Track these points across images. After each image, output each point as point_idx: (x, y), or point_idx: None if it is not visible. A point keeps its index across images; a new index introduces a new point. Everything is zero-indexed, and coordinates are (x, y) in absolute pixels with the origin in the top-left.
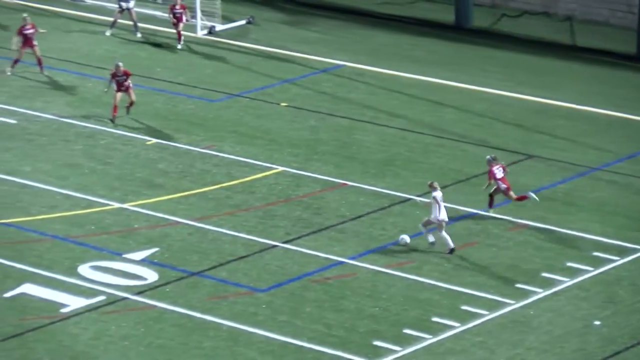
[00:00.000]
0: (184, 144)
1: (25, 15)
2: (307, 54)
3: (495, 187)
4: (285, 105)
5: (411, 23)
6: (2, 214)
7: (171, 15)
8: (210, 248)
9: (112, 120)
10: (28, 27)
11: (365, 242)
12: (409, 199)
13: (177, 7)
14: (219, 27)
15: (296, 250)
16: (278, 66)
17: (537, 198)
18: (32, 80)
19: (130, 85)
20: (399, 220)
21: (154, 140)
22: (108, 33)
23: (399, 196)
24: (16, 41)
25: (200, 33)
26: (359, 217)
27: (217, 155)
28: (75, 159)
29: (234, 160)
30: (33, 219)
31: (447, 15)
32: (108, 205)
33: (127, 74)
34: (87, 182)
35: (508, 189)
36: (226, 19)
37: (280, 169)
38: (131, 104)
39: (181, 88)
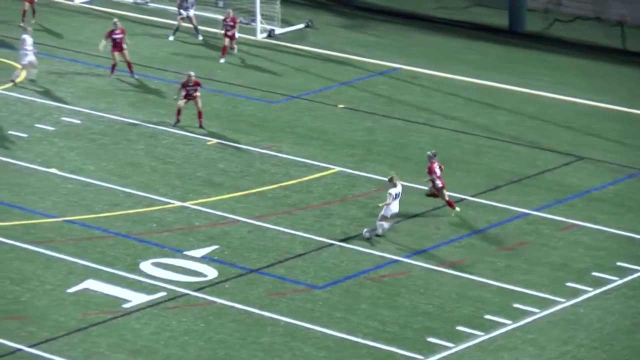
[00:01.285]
0: (244, 144)
1: (115, 20)
2: (364, 57)
3: (431, 185)
4: (342, 107)
5: (466, 27)
6: (67, 212)
7: (223, 30)
8: (269, 246)
9: (176, 124)
10: (118, 31)
11: (419, 241)
12: (463, 199)
13: (229, 19)
14: (278, 30)
15: (352, 249)
16: (335, 69)
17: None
18: (96, 82)
19: (199, 95)
20: (453, 219)
21: (215, 141)
22: (171, 38)
23: (452, 196)
24: (104, 44)
25: (260, 36)
26: (413, 216)
27: (276, 156)
28: (138, 158)
29: (292, 161)
30: (96, 217)
31: (500, 19)
32: (169, 203)
33: (197, 84)
34: (148, 180)
35: (443, 187)
36: (285, 23)
37: (337, 169)
38: (200, 114)
39: (241, 90)
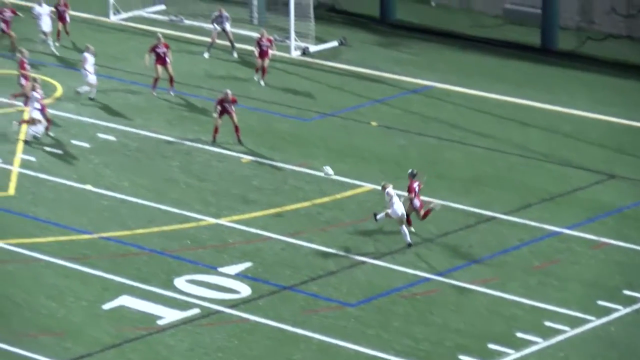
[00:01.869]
0: (278, 162)
1: (158, 34)
2: (398, 75)
3: (409, 204)
4: (376, 125)
5: (499, 45)
6: (102, 228)
7: (257, 49)
8: (302, 263)
9: (213, 141)
10: (161, 45)
11: (451, 259)
12: (495, 217)
13: (264, 39)
14: (312, 48)
15: (384, 266)
16: (369, 86)
17: (437, 207)
18: (132, 98)
19: (234, 110)
20: (485, 237)
21: (249, 158)
22: (206, 55)
23: (485, 214)
24: (148, 59)
25: (294, 54)
26: (446, 234)
27: (310, 173)
28: (173, 175)
29: (325, 178)
30: (131, 233)
31: (533, 37)
32: (204, 220)
33: (234, 101)
34: (183, 197)
35: (420, 206)
36: (319, 40)
37: (370, 186)
38: (237, 129)
39: (275, 107)
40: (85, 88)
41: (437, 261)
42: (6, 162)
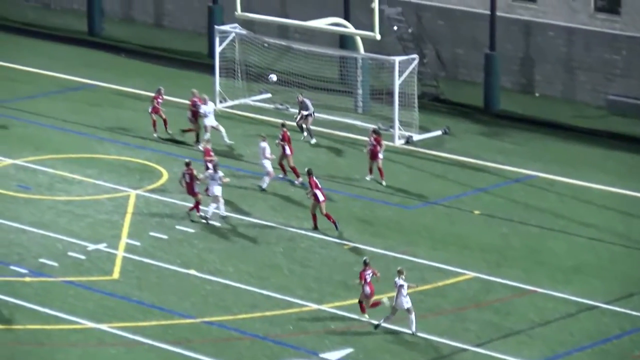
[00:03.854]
0: (380, 249)
1: (282, 125)
2: (501, 164)
3: (361, 292)
4: (478, 213)
5: (603, 136)
6: (205, 312)
7: (368, 147)
8: (403, 350)
9: (314, 228)
10: (281, 135)
11: (552, 347)
12: (596, 306)
13: (372, 139)
14: (416, 137)
15: (486, 354)
16: (472, 175)
17: (386, 302)
18: (236, 185)
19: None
20: (586, 325)
21: (351, 244)
22: (313, 141)
23: (586, 303)
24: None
25: (398, 142)
26: (547, 322)
27: (412, 260)
28: (276, 260)
29: (427, 265)
30: (234, 318)
31: (637, 128)
32: (306, 306)
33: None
34: (286, 283)
35: (371, 294)
36: (423, 129)
37: (472, 274)
38: (328, 217)
39: (379, 194)
40: (267, 180)
41: (539, 349)
42: (111, 247)
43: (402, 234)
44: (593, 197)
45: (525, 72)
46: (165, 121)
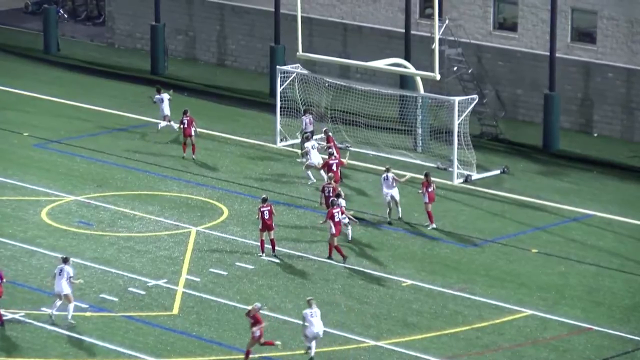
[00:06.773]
0: (438, 286)
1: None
2: (559, 203)
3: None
4: (536, 252)
5: None
6: (264, 348)
7: (423, 191)
8: None
9: (344, 260)
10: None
11: None
12: None
13: (422, 188)
14: (475, 176)
15: None
16: (530, 214)
17: (279, 344)
18: (295, 222)
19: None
20: None
21: (409, 282)
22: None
23: None
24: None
25: (457, 181)
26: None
27: (469, 298)
28: (334, 297)
29: (484, 303)
30: (292, 354)
31: None
32: (363, 342)
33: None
34: (344, 319)
35: (260, 336)
36: (481, 168)
37: (529, 312)
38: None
39: (437, 233)
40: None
41: None
42: (171, 282)
43: (460, 272)
44: None
45: (584, 113)
46: (193, 147)
